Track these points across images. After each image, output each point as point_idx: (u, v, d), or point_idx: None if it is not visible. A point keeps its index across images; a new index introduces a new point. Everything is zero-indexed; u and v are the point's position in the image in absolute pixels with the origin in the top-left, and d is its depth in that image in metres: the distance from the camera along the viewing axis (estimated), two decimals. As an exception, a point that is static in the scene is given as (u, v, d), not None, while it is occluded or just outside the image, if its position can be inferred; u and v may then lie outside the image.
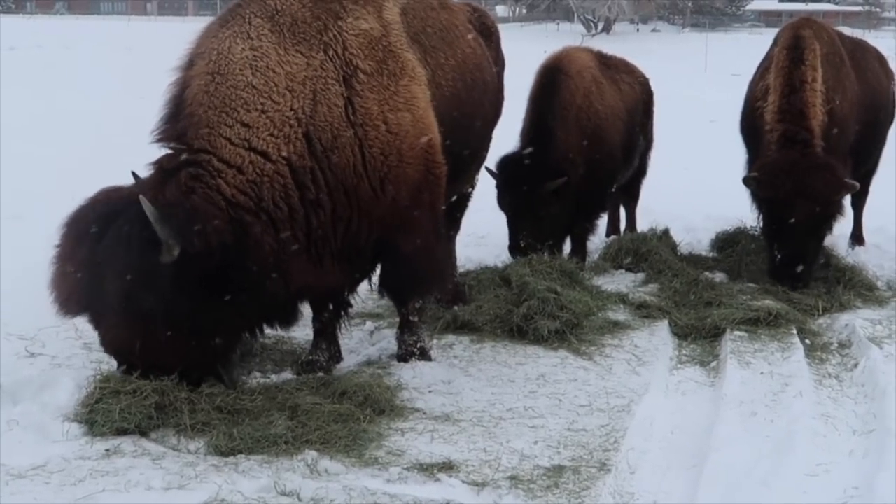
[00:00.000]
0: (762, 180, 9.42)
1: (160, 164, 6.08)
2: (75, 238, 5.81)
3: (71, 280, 5.78)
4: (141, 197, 5.69)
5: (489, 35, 8.75)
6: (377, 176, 6.52)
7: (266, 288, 6.18)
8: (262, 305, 6.32)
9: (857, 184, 9.69)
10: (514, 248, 9.43)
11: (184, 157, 6.03)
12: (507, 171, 9.43)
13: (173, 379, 5.95)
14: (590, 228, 10.36)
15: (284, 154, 6.18)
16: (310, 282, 6.42)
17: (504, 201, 9.51)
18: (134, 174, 6.33)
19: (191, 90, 6.15)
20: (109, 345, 6.08)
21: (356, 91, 6.46)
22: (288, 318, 6.67)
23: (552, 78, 9.80)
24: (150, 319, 5.84)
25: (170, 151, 6.12)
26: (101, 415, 5.70)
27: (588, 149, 9.68)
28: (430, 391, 6.72)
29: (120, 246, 5.71)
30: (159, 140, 6.17)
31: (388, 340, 7.60)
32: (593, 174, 9.76)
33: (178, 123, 6.12)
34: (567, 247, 10.11)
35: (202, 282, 5.89)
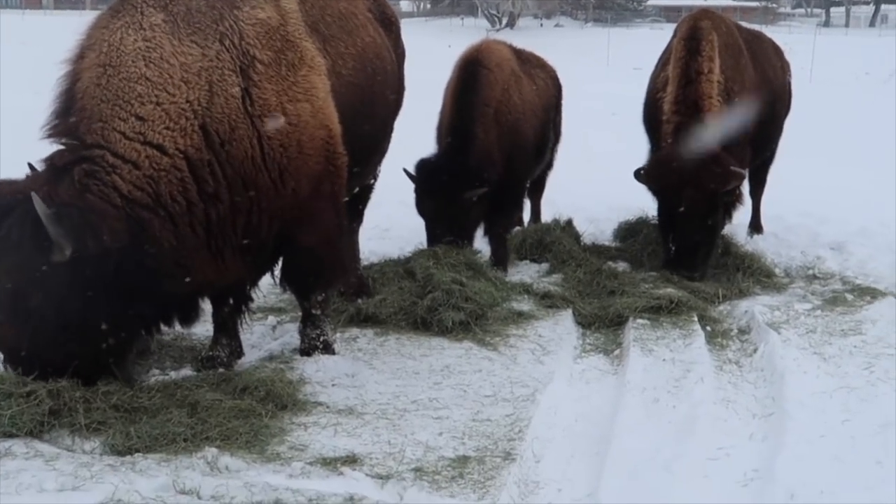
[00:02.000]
0: (651, 173, 9.55)
1: (52, 161, 5.88)
2: None
3: None
4: (33, 195, 5.50)
5: (389, 25, 8.65)
6: (276, 168, 6.40)
7: (165, 285, 6.03)
8: (160, 303, 6.18)
9: (745, 172, 9.84)
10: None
11: (77, 153, 5.84)
12: (426, 179, 9.22)
13: (68, 380, 5.76)
14: (508, 226, 10.30)
15: (181, 147, 6.03)
16: (210, 277, 6.29)
17: (423, 208, 9.33)
18: (30, 165, 6.12)
19: (82, 83, 5.96)
20: (4, 346, 5.89)
21: (254, 82, 6.33)
22: (188, 315, 6.53)
23: (472, 71, 9.62)
24: (42, 319, 5.67)
25: (62, 147, 5.92)
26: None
27: (507, 145, 9.60)
28: (333, 385, 6.65)
29: (9, 245, 5.54)
30: (50, 135, 5.96)
31: (290, 335, 7.50)
32: (511, 171, 9.67)
33: (69, 118, 5.92)
34: (482, 246, 10.01)
35: (97, 281, 5.73)
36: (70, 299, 5.67)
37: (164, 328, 6.55)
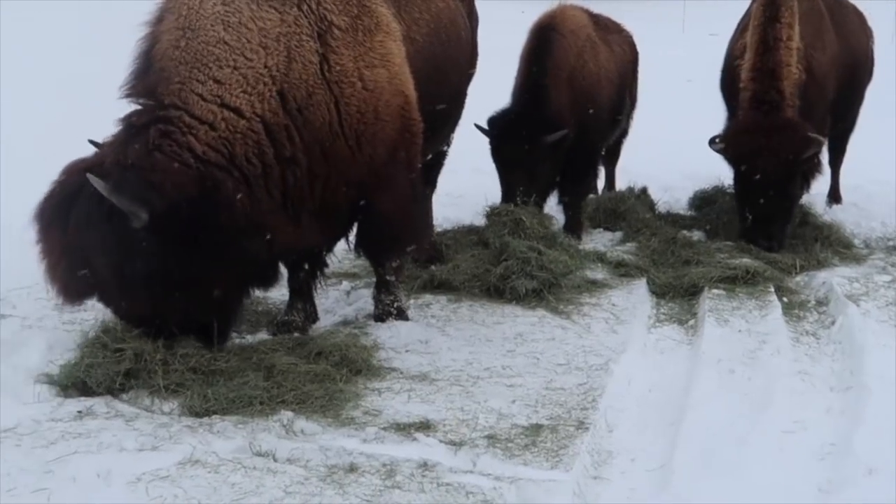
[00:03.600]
0: (727, 141, 9.42)
1: (130, 121, 5.95)
2: (48, 226, 5.71)
3: (60, 270, 5.71)
4: (88, 175, 5.59)
5: None
6: (353, 134, 6.43)
7: (243, 245, 6.07)
8: (241, 264, 6.21)
9: (824, 140, 9.65)
10: (508, 202, 9.28)
11: (154, 113, 5.91)
12: (503, 126, 9.25)
13: (152, 342, 5.88)
14: (582, 193, 10.24)
15: (258, 111, 6.07)
16: (288, 241, 6.32)
17: (501, 155, 9.33)
18: (91, 142, 6.20)
19: (161, 45, 6.01)
20: (127, 316, 6.01)
21: (331, 48, 6.34)
22: (267, 279, 6.59)
23: (546, 36, 9.58)
24: (149, 284, 5.77)
25: (139, 107, 5.99)
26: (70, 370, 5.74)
27: (580, 110, 9.56)
28: (406, 351, 6.67)
29: (92, 222, 5.62)
30: (128, 95, 6.03)
31: (364, 300, 7.54)
32: (585, 137, 9.63)
33: (147, 78, 5.99)
34: (556, 214, 9.97)
35: (178, 241, 5.78)
36: (165, 260, 5.76)
37: (250, 291, 6.61)
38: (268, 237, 6.16)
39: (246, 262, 6.21)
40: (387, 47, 6.65)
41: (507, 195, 9.23)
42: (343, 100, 6.37)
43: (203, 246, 5.92)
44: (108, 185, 5.56)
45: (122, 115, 6.02)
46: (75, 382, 5.68)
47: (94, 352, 5.78)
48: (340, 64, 6.37)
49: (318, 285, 7.19)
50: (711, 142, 9.57)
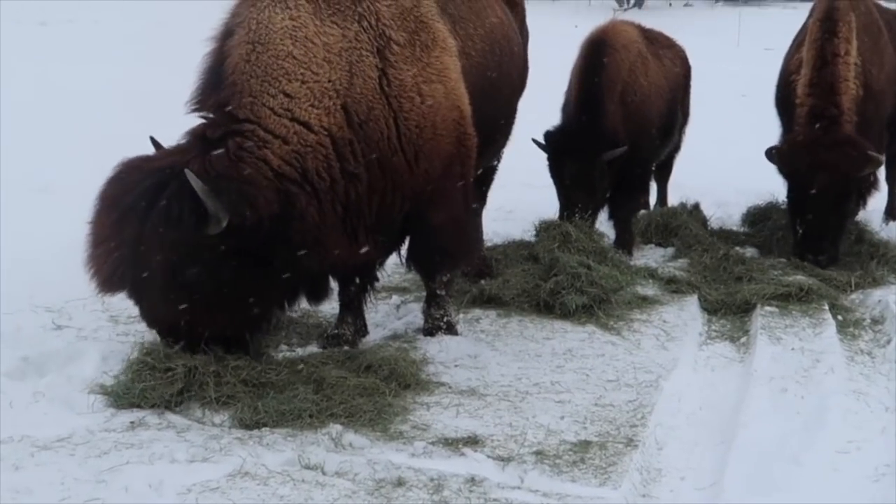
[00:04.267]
0: (784, 155, 9.34)
1: (202, 134, 5.97)
2: (115, 214, 5.70)
3: (114, 257, 5.70)
4: (187, 171, 5.63)
5: (514, 6, 8.66)
6: (412, 148, 6.49)
7: (304, 261, 6.12)
8: (297, 278, 6.28)
9: (882, 157, 9.53)
10: (566, 219, 9.26)
11: (229, 126, 5.95)
12: (561, 142, 9.31)
13: (204, 355, 5.92)
14: (633, 209, 10.22)
15: (325, 125, 6.14)
16: (343, 255, 6.36)
17: (560, 171, 9.37)
18: (153, 140, 6.28)
19: (231, 59, 6.06)
20: (154, 318, 6.06)
21: (390, 62, 6.41)
22: (319, 293, 6.65)
23: (598, 52, 9.60)
24: (194, 292, 5.82)
25: (209, 121, 6.02)
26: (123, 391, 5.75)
27: (632, 126, 9.55)
28: (455, 365, 6.68)
29: (168, 220, 5.65)
30: (198, 109, 6.09)
31: (414, 314, 7.56)
32: (636, 152, 9.61)
33: (220, 93, 6.02)
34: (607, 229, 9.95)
35: (246, 254, 5.87)
36: (221, 272, 5.82)
37: (295, 305, 6.67)
38: (326, 252, 6.21)
39: (301, 276, 6.26)
40: (443, 62, 6.71)
41: (566, 210, 9.24)
42: (402, 114, 6.43)
43: (266, 259, 5.98)
44: (207, 188, 5.60)
45: (191, 126, 6.06)
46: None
47: (144, 375, 5.78)
48: (399, 79, 6.43)
49: (369, 299, 7.21)
50: (768, 153, 9.48)
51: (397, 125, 6.42)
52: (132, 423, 5.48)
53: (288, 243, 6.01)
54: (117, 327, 6.97)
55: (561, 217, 9.30)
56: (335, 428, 5.46)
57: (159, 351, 5.93)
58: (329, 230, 6.20)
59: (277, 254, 6.01)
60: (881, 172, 9.92)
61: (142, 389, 5.67)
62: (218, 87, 6.04)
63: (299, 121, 6.07)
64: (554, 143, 9.36)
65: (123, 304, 7.13)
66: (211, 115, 6.03)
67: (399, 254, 7.23)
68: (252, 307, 6.10)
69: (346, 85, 6.23)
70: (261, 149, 5.95)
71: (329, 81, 6.17)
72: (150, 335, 6.22)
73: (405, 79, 6.45)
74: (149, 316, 6.07)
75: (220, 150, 5.87)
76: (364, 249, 6.49)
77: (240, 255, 5.86)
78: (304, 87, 6.10)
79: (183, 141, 6.06)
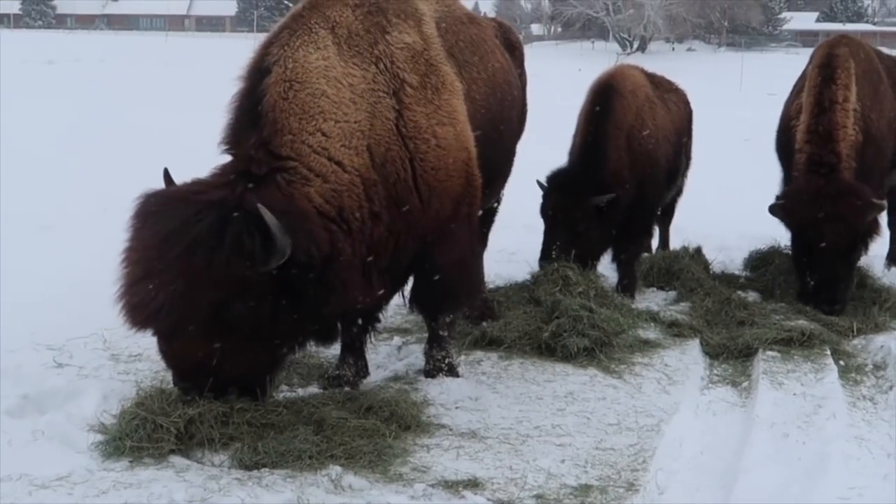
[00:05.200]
0: (788, 208, 9.36)
1: (246, 170, 5.85)
2: (173, 247, 5.50)
3: (165, 291, 5.48)
4: (260, 206, 5.55)
5: (513, 50, 8.76)
6: (426, 190, 6.54)
7: (329, 300, 6.04)
8: (318, 319, 6.17)
9: (885, 204, 9.56)
10: (544, 258, 9.29)
11: (273, 163, 5.91)
12: (555, 181, 9.40)
13: (208, 400, 5.81)
14: (636, 252, 10.23)
15: (356, 165, 6.16)
16: (360, 296, 6.32)
17: (545, 209, 9.44)
18: (166, 173, 6.18)
19: (270, 97, 6.03)
20: (184, 358, 5.80)
21: (405, 105, 6.48)
22: (332, 334, 6.59)
23: (606, 96, 9.70)
24: (236, 330, 5.72)
25: (250, 157, 5.90)
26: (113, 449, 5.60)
27: (639, 170, 9.63)
28: (456, 407, 6.67)
29: (240, 255, 5.54)
30: (234, 147, 6.01)
31: (415, 356, 7.56)
32: (642, 195, 9.70)
33: (260, 130, 5.97)
34: (605, 270, 9.97)
35: (286, 292, 5.81)
36: (264, 309, 5.75)
37: (307, 347, 6.57)
38: (348, 292, 6.15)
39: (321, 317, 6.19)
40: (452, 105, 6.78)
41: (545, 251, 9.30)
42: (418, 156, 6.48)
43: (300, 299, 5.91)
44: (279, 224, 5.54)
45: (231, 162, 6.00)
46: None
47: (135, 429, 5.61)
48: (414, 121, 6.49)
49: (370, 340, 7.22)
50: (771, 208, 9.49)
51: (413, 167, 6.46)
52: (131, 462, 5.45)
53: (321, 282, 5.92)
54: (118, 366, 6.96)
55: (541, 258, 9.32)
56: (335, 469, 5.43)
57: (154, 400, 5.79)
58: (354, 270, 6.18)
59: (309, 293, 5.92)
60: (882, 218, 9.94)
61: (130, 447, 5.53)
62: (256, 125, 5.99)
63: (335, 160, 6.07)
64: (548, 182, 9.45)
65: (125, 342, 7.18)
66: (251, 153, 5.92)
67: (402, 294, 7.24)
68: (278, 348, 6.08)
69: (369, 126, 6.28)
70: (304, 186, 5.94)
71: (356, 122, 6.22)
72: (151, 377, 6.18)
73: (419, 121, 6.51)
74: (179, 355, 5.83)
75: (271, 187, 5.82)
76: (377, 291, 6.50)
77: (280, 294, 5.79)
78: (338, 126, 6.13)
79: (218, 175, 5.94)
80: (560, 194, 9.28)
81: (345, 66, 6.30)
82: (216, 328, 5.67)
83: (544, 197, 9.46)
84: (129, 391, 6.18)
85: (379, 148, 6.30)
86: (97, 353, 7.18)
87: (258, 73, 6.17)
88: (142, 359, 7.03)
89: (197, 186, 5.86)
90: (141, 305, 5.56)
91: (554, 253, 9.13)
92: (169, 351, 5.85)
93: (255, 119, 6.02)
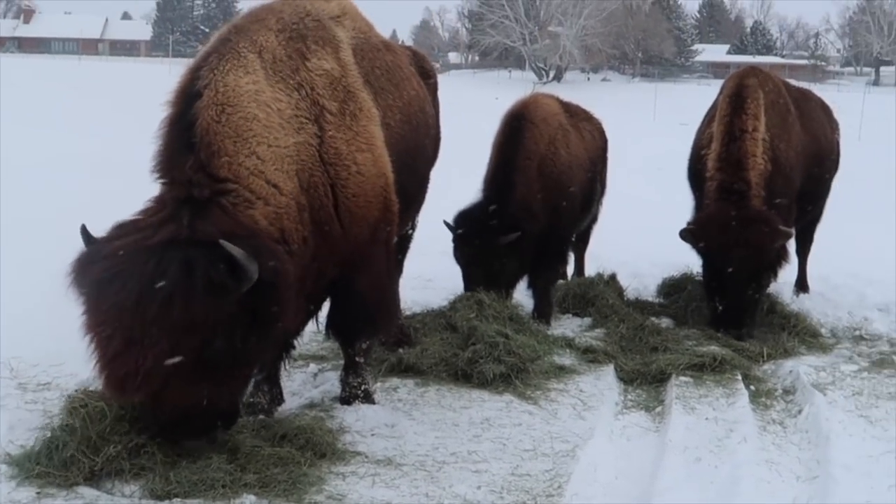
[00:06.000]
0: (697, 234, 9.52)
1: (188, 196, 5.67)
2: (136, 311, 5.22)
3: (146, 354, 5.24)
4: (222, 241, 5.38)
5: (428, 78, 8.80)
6: (347, 215, 6.51)
7: (276, 325, 5.92)
8: (272, 340, 6.07)
9: (792, 231, 9.79)
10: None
11: (214, 186, 5.75)
12: (462, 225, 9.38)
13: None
14: (552, 278, 10.28)
15: (290, 189, 6.10)
16: (291, 321, 6.24)
17: (459, 254, 9.47)
18: (84, 229, 5.77)
19: (203, 121, 5.88)
20: (176, 407, 5.56)
21: (326, 131, 6.44)
22: (279, 355, 6.63)
23: (516, 125, 9.74)
24: (216, 365, 5.56)
25: (189, 182, 5.71)
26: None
27: (552, 197, 9.68)
28: (372, 434, 6.63)
29: (215, 293, 5.36)
30: (169, 172, 5.79)
31: (331, 383, 7.50)
32: (556, 223, 9.76)
33: (197, 154, 5.80)
34: (521, 297, 10.01)
35: (255, 315, 5.67)
36: (238, 337, 5.62)
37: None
38: (287, 317, 6.03)
39: (275, 338, 6.13)
40: (370, 131, 6.76)
41: (467, 290, 9.29)
42: (339, 182, 6.45)
43: (266, 321, 5.79)
44: (244, 253, 5.40)
45: (169, 190, 5.77)
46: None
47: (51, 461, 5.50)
48: (335, 148, 6.46)
49: (285, 367, 7.14)
50: (682, 233, 9.64)
51: (335, 193, 6.43)
52: (38, 493, 5.32)
53: (276, 303, 5.77)
54: (26, 395, 6.80)
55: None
56: (249, 498, 5.37)
57: (64, 430, 5.64)
58: (293, 292, 6.04)
59: (271, 313, 5.78)
60: (791, 245, 10.15)
61: (38, 476, 5.41)
62: (191, 149, 5.81)
63: (271, 183, 5.98)
64: (455, 227, 9.44)
65: (32, 370, 7.04)
66: (191, 176, 5.73)
67: (317, 320, 7.19)
68: (250, 370, 6.02)
69: (296, 152, 6.22)
70: (248, 209, 5.82)
71: (285, 147, 6.14)
72: (60, 406, 5.99)
73: (340, 147, 6.48)
74: (170, 406, 5.55)
75: (216, 211, 5.67)
76: (300, 318, 6.47)
77: (249, 319, 5.63)
78: (270, 150, 6.04)
79: (158, 207, 5.70)
80: (469, 239, 9.29)
81: (272, 91, 6.24)
82: (200, 368, 5.49)
83: (454, 241, 9.49)
84: (38, 420, 6.04)
85: (304, 174, 6.26)
86: (4, 381, 7.00)
87: (188, 97, 6.00)
88: (50, 388, 6.88)
89: (141, 226, 5.57)
90: (130, 376, 5.29)
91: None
92: (159, 406, 5.56)
93: (189, 143, 5.84)
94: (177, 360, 5.29)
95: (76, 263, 5.49)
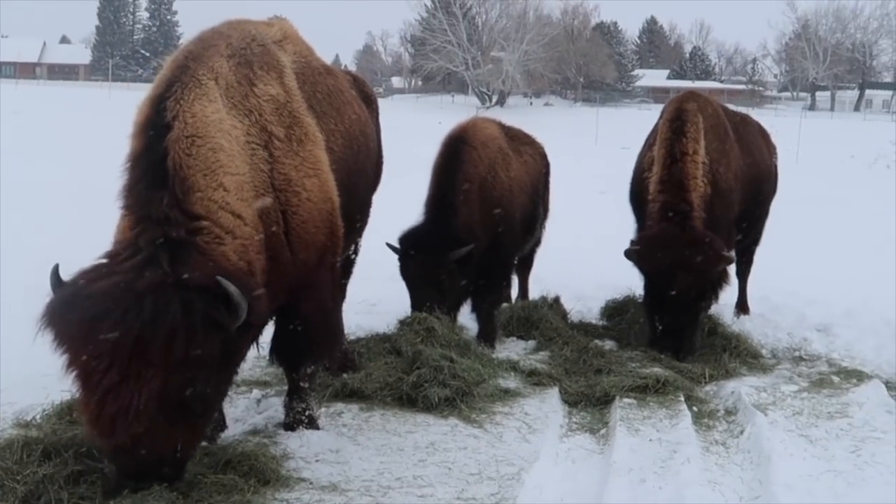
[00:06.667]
0: (642, 254, 9.59)
1: (165, 235, 5.52)
2: (148, 354, 5.17)
3: (140, 390, 5.17)
4: (221, 280, 5.37)
5: (369, 103, 8.82)
6: (296, 240, 6.47)
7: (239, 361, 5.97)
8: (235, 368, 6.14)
9: (734, 256, 9.93)
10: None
11: (188, 225, 5.63)
12: (410, 242, 9.38)
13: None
14: (496, 302, 10.29)
15: (250, 216, 6.02)
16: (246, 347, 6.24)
17: (407, 271, 9.46)
18: (55, 271, 5.65)
19: (175, 154, 5.75)
20: (160, 446, 5.45)
21: (275, 157, 6.40)
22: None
23: (455, 149, 9.77)
24: (195, 400, 5.49)
25: (165, 220, 5.57)
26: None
27: (493, 220, 9.71)
28: (317, 460, 6.58)
29: (215, 329, 5.39)
30: (142, 208, 5.62)
31: (275, 408, 7.44)
32: (498, 246, 9.79)
33: (172, 189, 5.67)
34: (465, 321, 10.02)
35: (231, 348, 5.66)
36: (215, 371, 5.57)
37: None
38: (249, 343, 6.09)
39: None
40: (316, 156, 6.74)
41: (416, 310, 9.29)
42: (290, 209, 6.41)
43: (236, 352, 5.83)
44: (239, 291, 5.40)
45: (143, 228, 5.58)
46: None
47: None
48: (284, 174, 6.42)
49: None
50: (627, 252, 9.70)
51: (286, 219, 6.39)
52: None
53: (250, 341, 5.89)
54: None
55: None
56: (191, 527, 5.29)
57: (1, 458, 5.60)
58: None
59: (243, 345, 5.88)
60: (732, 268, 10.26)
61: None
62: (164, 184, 5.66)
63: (236, 213, 5.89)
64: (402, 246, 9.44)
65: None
66: (168, 213, 5.60)
67: (257, 345, 7.11)
68: (220, 400, 6.03)
69: (251, 179, 6.16)
70: (219, 246, 5.72)
71: (243, 174, 6.07)
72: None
73: (289, 173, 6.45)
74: (155, 446, 5.42)
75: (193, 254, 5.55)
76: (249, 344, 6.39)
77: (224, 352, 5.59)
78: (233, 179, 5.96)
79: (129, 249, 5.54)
80: (419, 256, 9.30)
81: (230, 118, 6.18)
82: (180, 409, 5.43)
83: (401, 259, 9.48)
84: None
85: (258, 201, 6.20)
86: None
87: (156, 129, 5.84)
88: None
89: (119, 269, 5.40)
90: (122, 412, 5.17)
91: (425, 312, 9.11)
92: (142, 448, 5.40)
93: (161, 178, 5.69)
94: (162, 397, 5.23)
95: (54, 303, 5.35)
